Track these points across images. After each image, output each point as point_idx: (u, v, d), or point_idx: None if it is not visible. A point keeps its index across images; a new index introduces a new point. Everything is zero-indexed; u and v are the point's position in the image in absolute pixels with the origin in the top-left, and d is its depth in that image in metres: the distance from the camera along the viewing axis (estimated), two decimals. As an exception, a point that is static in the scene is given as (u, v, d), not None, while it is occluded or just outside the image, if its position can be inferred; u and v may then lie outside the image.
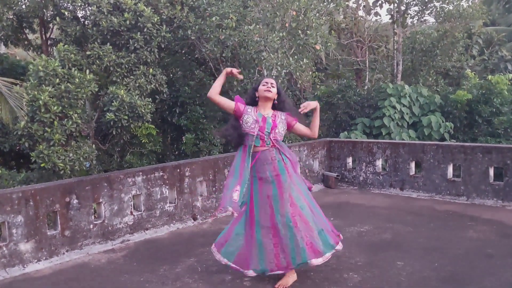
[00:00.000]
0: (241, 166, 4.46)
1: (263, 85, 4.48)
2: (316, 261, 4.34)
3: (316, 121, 4.57)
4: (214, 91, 4.50)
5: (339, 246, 4.57)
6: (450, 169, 7.77)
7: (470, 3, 17.13)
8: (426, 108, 14.55)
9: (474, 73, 16.52)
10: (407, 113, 14.27)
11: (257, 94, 4.51)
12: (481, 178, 7.40)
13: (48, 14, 12.63)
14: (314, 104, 4.52)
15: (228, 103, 4.55)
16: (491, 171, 7.36)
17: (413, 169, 8.23)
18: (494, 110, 14.09)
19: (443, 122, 13.94)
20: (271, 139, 4.42)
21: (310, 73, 14.02)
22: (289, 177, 4.44)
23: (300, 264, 4.34)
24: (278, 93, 4.54)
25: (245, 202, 4.43)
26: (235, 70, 4.53)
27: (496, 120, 13.90)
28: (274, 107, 4.55)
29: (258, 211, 4.38)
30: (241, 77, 4.60)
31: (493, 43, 21.10)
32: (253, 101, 4.56)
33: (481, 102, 14.12)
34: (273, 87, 4.48)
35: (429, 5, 16.74)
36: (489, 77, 15.03)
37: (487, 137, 13.80)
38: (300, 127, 4.58)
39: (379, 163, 8.59)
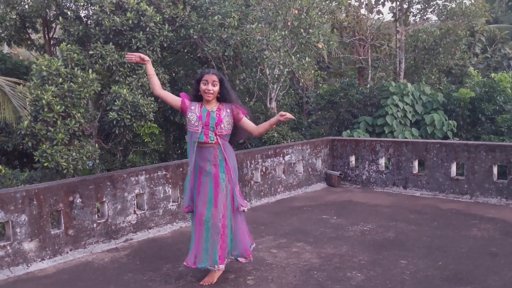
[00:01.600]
0: (192, 165, 4.47)
1: (203, 84, 4.36)
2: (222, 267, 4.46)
3: (269, 126, 4.44)
4: (156, 87, 4.49)
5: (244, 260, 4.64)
6: (453, 168, 7.75)
7: (473, 1, 17.09)
8: (429, 106, 14.53)
9: (477, 71, 16.49)
10: (410, 112, 14.25)
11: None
12: (484, 177, 7.39)
13: (51, 14, 12.65)
14: (291, 116, 4.34)
15: (174, 100, 4.50)
16: (495, 169, 7.34)
17: (416, 167, 8.21)
18: (497, 108, 14.07)
19: (446, 120, 13.92)
20: (216, 135, 4.37)
21: (313, 71, 14.01)
22: (228, 180, 4.44)
23: (204, 267, 4.41)
24: (221, 84, 4.40)
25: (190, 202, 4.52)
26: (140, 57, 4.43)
27: (499, 118, 13.87)
28: (219, 99, 4.46)
29: (199, 206, 4.41)
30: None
31: (496, 41, 21.05)
32: (198, 96, 4.47)
33: (484, 100, 14.09)
34: (214, 85, 4.35)
35: (431, 3, 16.70)
36: (492, 75, 15.00)
37: (490, 135, 13.78)
38: (247, 122, 4.47)
39: (382, 161, 8.58)
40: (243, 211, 4.57)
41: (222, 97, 4.43)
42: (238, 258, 4.61)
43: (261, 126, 4.48)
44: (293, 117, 4.35)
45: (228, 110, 4.43)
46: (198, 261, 4.39)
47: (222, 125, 4.38)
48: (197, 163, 4.43)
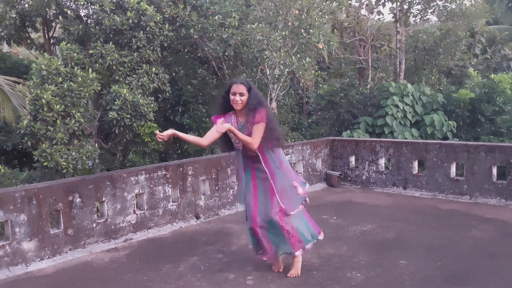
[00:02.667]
0: (239, 174, 4.68)
1: (232, 94, 4.40)
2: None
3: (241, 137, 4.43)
4: (201, 141, 4.46)
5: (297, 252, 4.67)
6: (453, 168, 7.75)
7: (473, 2, 17.13)
8: (429, 107, 14.53)
9: (477, 72, 16.51)
10: (409, 112, 14.25)
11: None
12: (484, 177, 7.38)
13: (51, 13, 12.65)
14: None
15: (215, 134, 4.39)
16: (494, 170, 7.33)
17: (416, 168, 8.21)
18: (497, 109, 14.07)
19: (446, 121, 13.92)
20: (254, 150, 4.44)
21: (313, 72, 14.02)
22: (275, 182, 4.52)
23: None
24: (250, 92, 4.40)
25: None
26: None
27: (499, 119, 13.87)
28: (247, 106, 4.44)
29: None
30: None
31: (496, 41, 21.06)
32: (229, 106, 4.50)
33: (484, 101, 14.09)
34: (242, 95, 4.37)
35: (431, 3, 16.70)
36: (492, 75, 15.01)
37: (490, 136, 13.77)
38: (254, 131, 4.39)
39: (382, 162, 8.58)
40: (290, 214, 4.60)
41: (248, 105, 4.43)
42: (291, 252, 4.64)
43: (254, 136, 4.43)
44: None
45: (252, 116, 4.41)
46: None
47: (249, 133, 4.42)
48: (246, 170, 4.61)
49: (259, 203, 4.51)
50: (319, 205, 7.46)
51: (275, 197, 4.48)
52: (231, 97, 4.41)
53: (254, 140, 4.36)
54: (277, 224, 4.44)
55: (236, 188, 7.25)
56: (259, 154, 4.50)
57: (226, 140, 4.62)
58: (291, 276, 4.57)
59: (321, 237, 4.77)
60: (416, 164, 8.18)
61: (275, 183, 4.51)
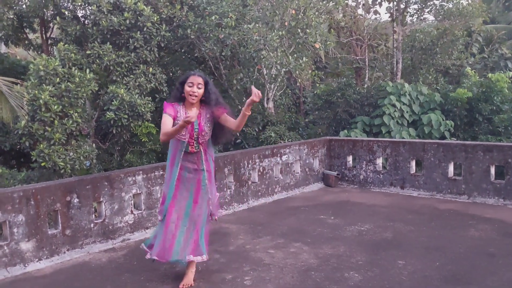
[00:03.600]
0: (170, 169, 4.48)
1: (189, 86, 4.29)
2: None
3: (244, 119, 4.32)
4: (167, 138, 4.33)
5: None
6: (451, 168, 7.76)
7: (470, 1, 17.11)
8: (426, 106, 14.54)
9: (474, 71, 16.50)
10: (407, 112, 14.26)
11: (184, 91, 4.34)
12: (482, 177, 7.40)
13: (49, 14, 12.64)
14: (257, 99, 4.17)
15: (169, 123, 4.28)
16: (492, 170, 7.35)
17: (414, 167, 8.22)
18: (494, 108, 14.08)
19: (443, 120, 13.93)
20: (199, 143, 4.41)
21: (310, 71, 14.02)
22: (207, 185, 4.48)
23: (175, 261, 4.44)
24: (206, 86, 4.34)
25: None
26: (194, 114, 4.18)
27: (496, 118, 13.89)
28: (202, 101, 4.41)
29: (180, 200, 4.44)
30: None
31: (493, 41, 21.08)
32: (181, 98, 4.40)
33: (481, 100, 14.10)
34: (199, 88, 4.30)
35: (428, 3, 16.70)
36: (489, 75, 15.02)
37: (487, 135, 13.79)
38: (228, 118, 4.38)
39: (379, 161, 8.59)
40: (214, 220, 4.67)
41: (206, 100, 4.38)
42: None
43: (239, 119, 4.34)
44: (257, 98, 4.12)
45: (208, 115, 4.41)
46: (169, 255, 4.38)
47: (204, 133, 4.39)
48: (180, 163, 4.43)
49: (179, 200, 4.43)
50: (316, 205, 7.47)
51: (205, 197, 4.46)
52: (187, 88, 4.29)
53: (236, 124, 4.34)
54: (198, 225, 4.41)
55: (232, 188, 7.26)
56: (201, 151, 4.42)
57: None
58: (184, 286, 4.41)
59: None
60: (413, 163, 8.20)
61: (211, 184, 4.50)
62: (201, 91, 4.33)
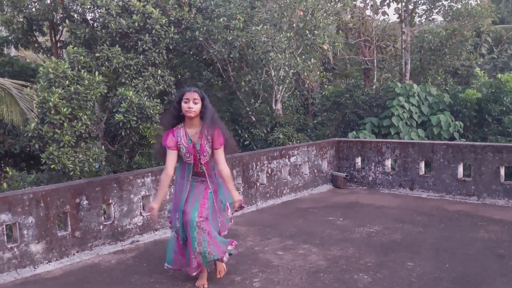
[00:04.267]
0: (178, 191, 4.50)
1: (185, 102, 4.30)
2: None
3: (229, 187, 4.54)
4: (168, 174, 4.43)
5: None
6: (460, 169, 7.72)
7: (479, 1, 17.01)
8: (435, 107, 14.48)
9: (484, 72, 16.42)
10: (416, 113, 14.20)
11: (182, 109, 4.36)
12: (492, 178, 7.35)
13: (58, 17, 12.72)
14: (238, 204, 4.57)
15: (172, 156, 4.40)
16: (502, 171, 7.30)
17: (423, 169, 8.18)
18: (504, 108, 14.00)
19: (452, 121, 13.86)
20: (202, 164, 4.44)
21: (318, 73, 14.00)
22: (214, 200, 4.50)
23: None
24: (203, 102, 4.35)
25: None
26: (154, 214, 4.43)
27: (506, 119, 13.80)
28: (201, 117, 4.42)
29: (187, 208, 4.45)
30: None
31: (502, 41, 20.95)
32: (179, 117, 4.43)
33: (491, 100, 14.02)
34: (195, 103, 4.30)
35: (437, 3, 16.63)
36: (499, 75, 14.93)
37: (497, 136, 13.70)
38: (218, 154, 4.46)
39: (388, 163, 8.55)
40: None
41: (202, 115, 4.39)
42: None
43: (226, 178, 4.50)
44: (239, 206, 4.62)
45: (209, 138, 4.41)
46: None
47: (205, 153, 4.42)
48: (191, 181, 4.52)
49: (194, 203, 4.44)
50: (325, 206, 7.45)
51: (213, 210, 4.48)
52: (184, 105, 4.30)
53: (225, 167, 4.48)
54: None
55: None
56: (205, 170, 4.48)
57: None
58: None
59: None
60: (422, 165, 8.16)
61: (216, 199, 4.53)
62: (198, 106, 4.33)
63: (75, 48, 10.34)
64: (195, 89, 4.39)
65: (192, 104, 4.29)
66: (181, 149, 4.40)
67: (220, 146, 4.44)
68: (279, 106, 13.23)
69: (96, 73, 9.80)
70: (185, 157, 4.41)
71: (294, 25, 11.75)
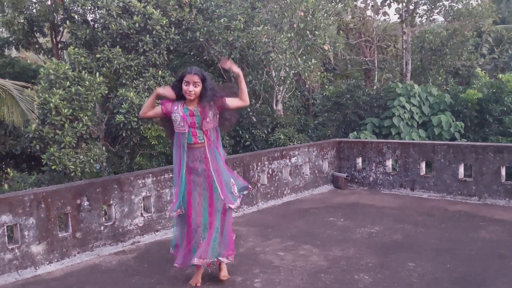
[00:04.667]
0: (178, 168, 4.43)
1: (185, 84, 4.28)
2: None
3: (242, 86, 4.40)
4: (143, 113, 4.47)
5: (226, 260, 4.56)
6: (461, 169, 7.71)
7: (480, 1, 17.01)
8: (436, 107, 14.46)
9: (484, 72, 16.42)
10: (416, 113, 14.18)
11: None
12: (492, 178, 7.34)
13: (59, 18, 12.73)
14: (236, 70, 4.41)
15: (156, 111, 4.46)
16: (503, 171, 7.29)
17: (424, 169, 8.18)
18: (505, 109, 13.97)
19: (453, 121, 13.84)
20: (203, 133, 4.34)
21: (319, 73, 14.00)
22: (217, 179, 4.41)
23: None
24: (204, 83, 4.31)
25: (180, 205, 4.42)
26: (167, 92, 4.38)
27: (507, 119, 13.78)
28: (200, 99, 4.36)
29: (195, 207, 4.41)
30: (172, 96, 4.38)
31: (503, 41, 20.93)
32: (180, 95, 4.38)
33: (491, 101, 14.00)
34: (196, 86, 4.27)
35: (438, 4, 16.62)
36: (500, 75, 14.93)
37: (498, 136, 13.68)
38: (231, 101, 4.41)
39: (389, 163, 8.55)
40: (229, 208, 4.49)
41: (203, 96, 4.32)
42: (220, 258, 4.48)
43: (240, 93, 4.44)
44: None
45: (211, 105, 4.34)
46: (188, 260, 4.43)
47: (208, 119, 4.33)
48: (186, 164, 4.38)
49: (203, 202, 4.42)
50: (326, 207, 7.45)
51: (217, 192, 4.40)
52: (184, 87, 4.28)
53: (243, 98, 4.43)
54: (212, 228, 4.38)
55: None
56: (205, 143, 4.35)
57: (170, 124, 4.48)
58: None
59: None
60: (423, 165, 8.16)
61: (222, 184, 4.43)
62: (198, 89, 4.30)
63: (76, 49, 10.35)
64: (196, 71, 4.32)
65: (192, 88, 4.27)
66: (174, 117, 4.34)
67: (223, 99, 4.37)
68: (280, 106, 13.23)
69: (97, 74, 9.80)
70: (179, 126, 4.33)
71: (295, 25, 11.75)
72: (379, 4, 17.54)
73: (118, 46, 10.64)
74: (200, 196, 4.39)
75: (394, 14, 17.67)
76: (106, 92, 9.96)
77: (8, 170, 9.56)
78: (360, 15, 17.60)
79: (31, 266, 4.99)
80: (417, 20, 17.42)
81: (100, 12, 10.79)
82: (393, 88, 14.41)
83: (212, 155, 4.40)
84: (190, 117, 4.31)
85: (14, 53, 17.15)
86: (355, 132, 13.93)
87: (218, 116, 4.44)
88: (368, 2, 17.71)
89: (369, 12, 18.06)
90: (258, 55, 11.50)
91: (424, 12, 17.13)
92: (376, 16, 18.08)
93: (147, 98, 10.35)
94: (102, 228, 5.61)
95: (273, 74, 12.18)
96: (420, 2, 16.58)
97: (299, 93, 16.37)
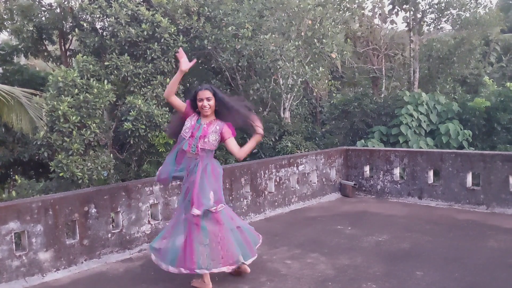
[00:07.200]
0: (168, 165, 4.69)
1: (199, 101, 4.53)
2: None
3: (250, 146, 4.58)
4: (169, 92, 4.62)
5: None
6: (469, 178, 7.67)
7: (487, 10, 16.98)
8: (444, 115, 14.43)
9: (492, 80, 16.36)
10: (424, 121, 14.16)
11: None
12: (501, 187, 7.29)
13: (67, 26, 12.85)
14: (260, 131, 4.59)
15: (181, 105, 4.69)
16: (511, 180, 7.24)
17: (432, 177, 8.14)
18: (513, 117, 13.93)
19: (461, 130, 13.80)
20: (197, 147, 4.49)
21: (326, 81, 14.03)
22: (194, 189, 4.48)
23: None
24: (218, 100, 4.55)
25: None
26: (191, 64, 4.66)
27: (515, 128, 13.73)
28: (216, 113, 4.60)
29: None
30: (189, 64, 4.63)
31: (511, 50, 20.86)
32: (197, 112, 4.64)
33: (499, 109, 13.96)
34: (209, 100, 4.51)
35: (445, 12, 16.63)
36: (508, 84, 14.87)
37: (506, 144, 13.62)
38: (230, 144, 4.57)
39: (397, 171, 8.52)
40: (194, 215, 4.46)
41: (218, 110, 4.59)
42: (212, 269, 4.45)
43: (244, 148, 4.59)
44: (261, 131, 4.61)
45: (218, 127, 4.55)
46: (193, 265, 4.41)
47: (206, 139, 4.51)
48: (175, 162, 4.65)
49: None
50: (333, 215, 7.42)
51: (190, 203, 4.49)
52: (199, 104, 4.53)
53: (239, 153, 4.59)
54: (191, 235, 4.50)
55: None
56: (199, 160, 4.52)
57: (178, 126, 4.70)
58: None
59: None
60: (431, 173, 8.11)
61: (196, 188, 4.49)
62: (212, 102, 4.55)
63: (84, 56, 10.44)
64: (206, 87, 4.57)
65: (206, 103, 4.51)
66: (186, 122, 4.59)
67: (230, 137, 4.56)
68: (287, 114, 13.24)
69: (105, 81, 9.88)
70: (185, 131, 4.57)
71: (303, 33, 11.79)
72: (386, 12, 17.57)
73: (126, 54, 10.71)
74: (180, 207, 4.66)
75: (402, 23, 17.72)
76: (114, 99, 10.03)
77: (16, 177, 9.63)
78: (367, 24, 17.63)
79: (39, 273, 5.00)
80: (425, 28, 17.43)
81: (108, 20, 10.88)
82: (401, 96, 14.40)
83: (198, 167, 4.51)
84: (195, 128, 4.55)
85: (23, 60, 17.29)
86: (362, 140, 13.91)
87: (218, 142, 4.61)
88: (375, 10, 17.74)
89: (376, 21, 18.11)
90: (266, 63, 11.54)
91: (431, 20, 17.15)
92: (384, 24, 18.11)
93: (155, 105, 10.41)
94: (109, 235, 5.62)
95: (281, 82, 12.20)
96: (427, 10, 16.60)
97: (306, 101, 16.40)
